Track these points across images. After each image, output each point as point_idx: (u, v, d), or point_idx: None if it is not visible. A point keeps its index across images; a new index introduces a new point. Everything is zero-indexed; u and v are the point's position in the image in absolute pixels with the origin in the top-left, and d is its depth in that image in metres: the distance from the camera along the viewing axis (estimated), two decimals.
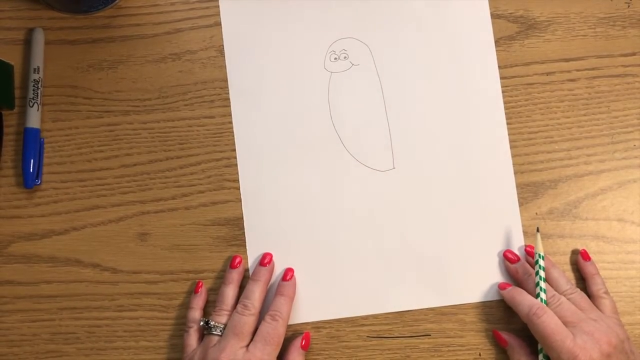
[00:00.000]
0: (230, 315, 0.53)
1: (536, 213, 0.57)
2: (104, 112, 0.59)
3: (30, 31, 0.59)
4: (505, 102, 0.58)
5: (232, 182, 0.58)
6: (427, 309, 0.56)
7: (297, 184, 0.57)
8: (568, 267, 0.56)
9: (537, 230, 0.55)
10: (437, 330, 0.56)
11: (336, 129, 0.58)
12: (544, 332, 0.49)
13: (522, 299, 0.52)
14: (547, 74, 0.58)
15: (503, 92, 0.58)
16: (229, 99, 0.59)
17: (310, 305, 0.56)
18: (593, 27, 0.59)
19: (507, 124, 0.58)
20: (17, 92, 0.59)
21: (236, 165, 0.58)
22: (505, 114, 0.58)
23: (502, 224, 0.57)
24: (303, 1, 0.59)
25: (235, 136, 0.58)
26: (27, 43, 0.59)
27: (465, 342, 0.56)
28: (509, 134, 0.58)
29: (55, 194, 0.58)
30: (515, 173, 0.57)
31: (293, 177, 0.58)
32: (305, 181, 0.57)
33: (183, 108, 0.59)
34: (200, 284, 0.56)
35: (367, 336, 0.56)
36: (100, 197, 0.58)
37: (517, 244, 0.56)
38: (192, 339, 0.54)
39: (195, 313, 0.55)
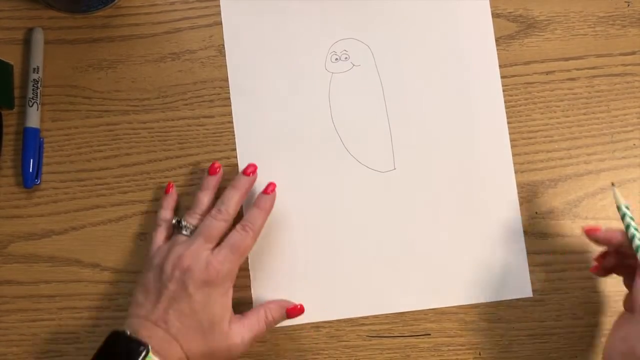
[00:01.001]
0: (201, 219, 0.53)
1: (536, 212, 0.57)
2: (103, 112, 0.59)
3: (29, 31, 0.59)
4: (505, 102, 0.58)
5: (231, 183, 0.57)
6: (427, 308, 0.56)
7: (297, 184, 0.57)
8: (569, 266, 0.56)
9: (613, 184, 0.52)
10: (437, 330, 0.56)
11: (337, 130, 0.58)
12: None
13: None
14: (547, 73, 0.58)
15: (503, 91, 0.58)
16: (228, 98, 0.59)
17: (310, 306, 0.56)
18: (593, 26, 0.59)
19: (507, 123, 0.58)
20: (16, 92, 0.59)
21: (236, 165, 0.58)
22: (506, 113, 0.58)
23: (503, 223, 0.57)
24: (304, 1, 0.59)
25: (235, 136, 0.58)
26: (27, 43, 0.59)
27: (465, 342, 0.56)
28: (509, 133, 0.58)
29: (54, 193, 0.58)
30: (515, 172, 0.57)
31: (293, 177, 0.58)
32: (305, 181, 0.57)
33: (182, 108, 0.58)
34: (171, 184, 0.56)
35: (367, 336, 0.56)
36: (99, 197, 0.58)
37: (518, 244, 0.56)
38: (160, 236, 0.54)
39: (166, 212, 0.55)
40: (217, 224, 0.52)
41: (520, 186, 0.57)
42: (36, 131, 0.58)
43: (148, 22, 0.59)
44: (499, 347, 0.55)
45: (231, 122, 0.58)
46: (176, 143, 0.58)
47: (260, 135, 0.58)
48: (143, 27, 0.59)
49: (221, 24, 0.59)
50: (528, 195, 0.57)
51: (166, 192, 0.56)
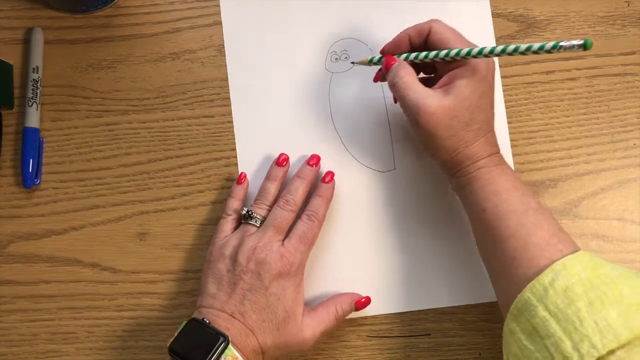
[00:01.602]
0: (269, 210, 0.54)
1: None
2: (103, 112, 0.58)
3: (29, 31, 0.59)
4: (505, 101, 0.58)
5: (231, 182, 0.57)
6: (427, 309, 0.56)
7: None
8: None
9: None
10: (437, 330, 0.56)
11: (337, 130, 0.58)
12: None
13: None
14: (547, 72, 0.58)
15: (503, 91, 0.58)
16: (228, 98, 0.59)
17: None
18: (593, 26, 0.59)
19: (507, 123, 0.58)
20: (16, 92, 0.59)
21: (236, 165, 0.58)
22: (506, 113, 0.58)
23: None
24: (304, 1, 0.59)
25: (235, 136, 0.58)
26: (27, 43, 0.59)
27: (465, 342, 0.56)
28: (509, 133, 0.58)
29: (54, 193, 0.58)
30: (516, 172, 0.57)
31: None
32: None
33: (182, 107, 0.58)
34: (244, 174, 0.57)
35: (367, 336, 0.56)
36: (99, 197, 0.58)
37: None
38: (228, 226, 0.54)
39: (235, 203, 0.55)
40: (286, 214, 0.53)
41: None
42: (36, 131, 0.58)
43: (148, 22, 0.59)
44: (499, 347, 0.55)
45: (231, 122, 0.58)
46: (176, 143, 0.58)
47: (260, 135, 0.58)
48: (143, 27, 0.59)
49: (221, 24, 0.59)
50: None
51: (238, 182, 0.56)
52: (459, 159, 0.49)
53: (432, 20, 0.50)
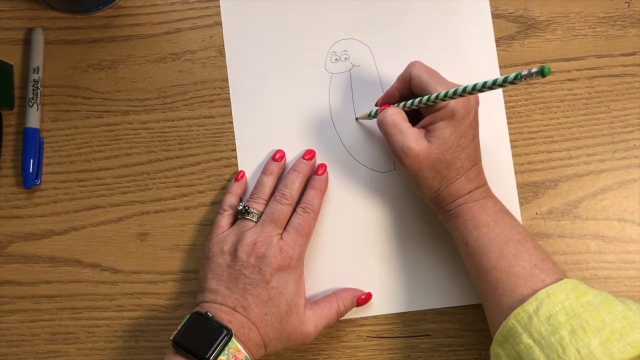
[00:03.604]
0: (266, 204, 0.54)
1: (536, 213, 0.57)
2: (103, 112, 0.59)
3: (29, 31, 0.59)
4: (505, 102, 0.58)
5: None
6: (427, 309, 0.56)
7: None
8: (569, 267, 0.56)
9: None
10: (437, 330, 0.56)
11: (337, 130, 0.58)
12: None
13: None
14: None
15: (503, 91, 0.58)
16: (228, 98, 0.59)
17: None
18: (593, 26, 0.59)
19: (507, 123, 0.58)
20: (16, 92, 0.59)
21: (236, 165, 0.58)
22: (506, 113, 0.58)
23: None
24: (304, 1, 0.59)
25: (235, 136, 0.58)
26: (27, 43, 0.59)
27: (465, 342, 0.56)
28: (509, 134, 0.58)
29: (54, 194, 0.58)
30: (516, 173, 0.57)
31: None
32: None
33: (183, 108, 0.58)
34: (242, 172, 0.57)
35: (367, 336, 0.56)
36: (99, 197, 0.58)
37: None
38: (225, 221, 0.55)
39: (233, 198, 0.56)
40: (283, 208, 0.53)
41: (520, 186, 0.57)
42: (36, 131, 0.58)
43: (148, 22, 0.59)
44: None
45: (231, 122, 0.58)
46: (176, 143, 0.58)
47: (260, 135, 0.58)
48: (143, 28, 0.59)
49: (221, 24, 0.59)
50: (528, 196, 0.57)
51: (236, 179, 0.57)
52: (441, 197, 0.51)
53: (410, 65, 0.52)
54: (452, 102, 0.49)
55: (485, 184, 0.52)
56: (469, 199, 0.50)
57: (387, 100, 0.54)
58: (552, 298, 0.45)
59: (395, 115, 0.51)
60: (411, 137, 0.50)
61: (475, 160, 0.51)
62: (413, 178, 0.51)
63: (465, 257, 0.51)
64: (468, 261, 0.51)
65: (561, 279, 0.46)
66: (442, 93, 0.48)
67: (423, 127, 0.51)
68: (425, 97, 0.50)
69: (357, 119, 0.58)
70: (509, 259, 0.48)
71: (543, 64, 0.42)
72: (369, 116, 0.56)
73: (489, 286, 0.48)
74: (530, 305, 0.45)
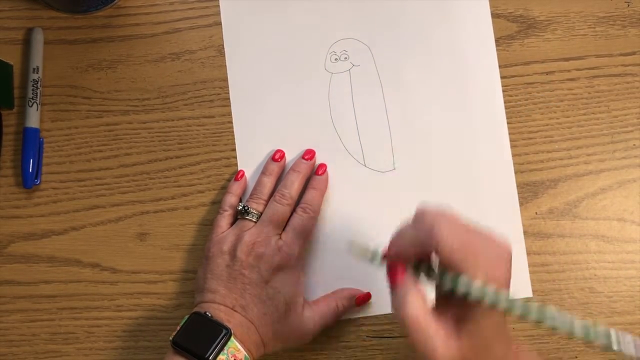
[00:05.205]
0: (266, 205, 0.54)
1: (536, 213, 0.57)
2: (103, 112, 0.59)
3: (29, 31, 0.59)
4: (505, 102, 0.58)
5: None
6: None
7: None
8: (569, 266, 0.56)
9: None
10: None
11: (337, 130, 0.58)
12: None
13: None
14: (547, 73, 0.58)
15: (503, 91, 0.58)
16: (228, 98, 0.59)
17: None
18: (593, 26, 0.59)
19: (507, 123, 0.58)
20: (16, 92, 0.59)
21: (236, 165, 0.58)
22: (505, 113, 0.58)
23: (502, 223, 0.56)
24: (304, 1, 0.59)
25: (235, 136, 0.58)
26: (27, 43, 0.59)
27: None
28: (509, 134, 0.58)
29: (54, 193, 0.58)
30: (515, 173, 0.57)
31: None
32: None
33: (182, 108, 0.58)
34: (242, 172, 0.57)
35: (367, 336, 0.56)
36: (99, 197, 0.58)
37: (518, 244, 0.56)
38: (225, 221, 0.55)
39: (233, 198, 0.56)
40: (282, 208, 0.53)
41: (520, 186, 0.57)
42: (36, 131, 0.58)
43: (148, 22, 0.59)
44: None
45: (231, 122, 0.58)
46: (176, 143, 0.58)
47: (260, 135, 0.58)
48: (143, 27, 0.59)
49: (221, 24, 0.59)
50: (528, 196, 0.57)
51: (236, 179, 0.57)
52: None
53: (434, 226, 0.40)
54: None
55: None
56: None
57: (399, 256, 0.42)
58: None
59: (417, 308, 0.39)
60: (436, 338, 0.39)
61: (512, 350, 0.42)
62: None
63: None
64: None
65: None
66: (490, 299, 0.38)
67: (451, 321, 0.40)
68: (462, 288, 0.39)
69: (350, 249, 0.45)
70: None
71: None
72: (372, 260, 0.43)
73: None
74: None
